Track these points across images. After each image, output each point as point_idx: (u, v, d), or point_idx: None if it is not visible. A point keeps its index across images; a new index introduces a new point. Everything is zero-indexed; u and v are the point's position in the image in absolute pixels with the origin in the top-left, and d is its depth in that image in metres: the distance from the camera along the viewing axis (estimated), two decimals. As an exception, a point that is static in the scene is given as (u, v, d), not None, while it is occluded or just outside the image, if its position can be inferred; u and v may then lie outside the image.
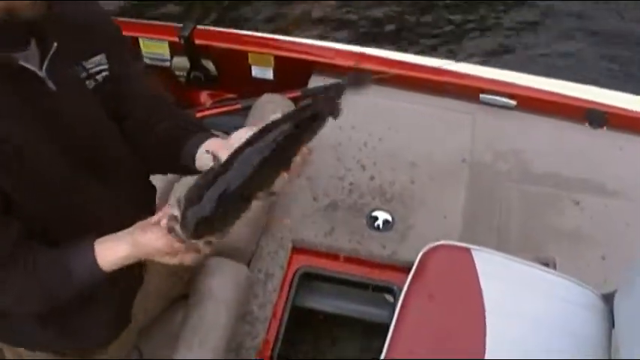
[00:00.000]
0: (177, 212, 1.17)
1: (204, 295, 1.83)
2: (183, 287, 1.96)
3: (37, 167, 1.27)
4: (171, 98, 1.66)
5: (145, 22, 2.81)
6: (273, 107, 2.22)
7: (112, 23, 1.50)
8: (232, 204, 1.18)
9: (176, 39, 2.57)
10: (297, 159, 1.30)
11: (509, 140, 2.42)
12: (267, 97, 2.30)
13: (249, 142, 1.20)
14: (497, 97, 2.47)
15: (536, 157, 2.38)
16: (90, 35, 1.39)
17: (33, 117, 1.25)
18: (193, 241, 1.19)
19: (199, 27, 2.59)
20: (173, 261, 1.30)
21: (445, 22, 4.31)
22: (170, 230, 1.18)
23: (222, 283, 1.86)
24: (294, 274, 2.13)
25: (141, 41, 2.68)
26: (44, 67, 1.27)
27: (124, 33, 2.58)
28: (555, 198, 2.28)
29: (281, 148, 1.22)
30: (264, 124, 1.24)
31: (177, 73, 2.72)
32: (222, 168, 1.18)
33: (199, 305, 1.81)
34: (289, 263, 2.15)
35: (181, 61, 2.68)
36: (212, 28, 2.70)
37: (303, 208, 2.22)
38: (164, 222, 1.20)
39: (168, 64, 2.71)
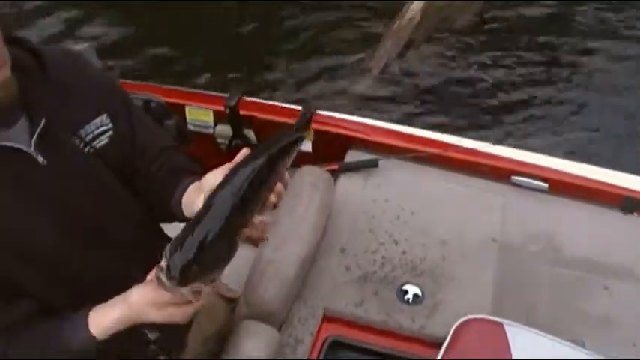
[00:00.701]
0: (163, 263, 1.19)
1: (235, 354, 1.87)
2: (215, 349, 2.00)
3: (36, 245, 1.27)
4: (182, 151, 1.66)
5: (192, 90, 2.93)
6: (311, 180, 2.29)
7: (112, 82, 1.51)
8: (215, 247, 1.19)
9: (221, 108, 2.68)
10: (271, 197, 1.31)
11: (541, 223, 2.45)
12: (306, 170, 2.37)
13: (222, 185, 1.22)
14: (530, 180, 2.52)
15: (566, 240, 2.40)
16: (90, 98, 1.39)
17: (22, 194, 1.25)
18: (182, 290, 1.20)
19: (245, 98, 2.70)
20: (162, 316, 1.27)
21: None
22: (157, 281, 1.19)
23: (254, 345, 1.89)
24: (323, 342, 2.15)
25: (187, 109, 2.80)
26: (33, 142, 1.25)
27: (171, 100, 2.73)
28: (585, 282, 2.29)
29: (255, 185, 1.23)
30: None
31: (219, 140, 2.82)
32: (199, 213, 1.20)
33: (230, 365, 1.85)
34: (319, 331, 2.17)
35: (224, 130, 2.78)
36: (256, 99, 2.81)
37: (336, 277, 2.27)
38: (152, 274, 1.22)
39: (211, 131, 2.82)
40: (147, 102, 2.77)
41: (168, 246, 1.19)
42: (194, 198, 1.36)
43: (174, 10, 4.97)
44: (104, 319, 1.32)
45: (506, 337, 1.80)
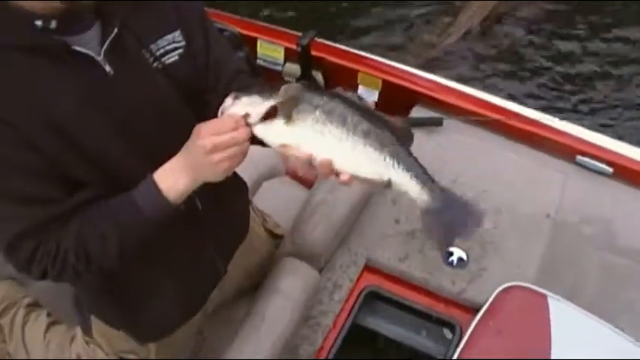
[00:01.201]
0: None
1: (273, 290, 1.91)
2: (256, 282, 2.04)
3: (99, 150, 1.29)
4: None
5: (266, 25, 2.92)
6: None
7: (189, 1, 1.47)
8: None
9: (293, 46, 2.67)
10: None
11: (599, 206, 2.40)
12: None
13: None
14: (595, 162, 2.46)
15: (623, 228, 2.34)
16: (165, 13, 1.39)
17: (90, 101, 1.26)
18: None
19: (317, 39, 2.68)
20: (219, 158, 1.25)
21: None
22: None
23: (292, 282, 1.93)
24: (360, 291, 2.17)
25: (259, 42, 2.79)
26: (103, 51, 1.27)
27: (244, 32, 2.72)
28: (635, 273, 2.24)
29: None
30: None
31: (286, 78, 2.81)
32: None
33: (267, 299, 1.89)
34: (358, 279, 2.19)
35: (293, 68, 2.77)
36: (328, 42, 2.78)
37: (384, 228, 2.27)
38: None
39: (280, 68, 2.81)
40: (221, 30, 2.76)
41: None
42: None
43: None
44: (174, 184, 1.32)
45: (547, 310, 1.79)
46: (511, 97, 3.10)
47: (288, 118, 1.24)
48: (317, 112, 1.22)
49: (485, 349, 1.78)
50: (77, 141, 1.25)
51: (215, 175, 1.29)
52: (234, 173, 1.74)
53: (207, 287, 1.81)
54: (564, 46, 4.52)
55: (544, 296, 1.84)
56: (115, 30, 1.27)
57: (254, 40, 2.80)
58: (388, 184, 1.26)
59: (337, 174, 1.25)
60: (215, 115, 1.38)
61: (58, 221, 1.31)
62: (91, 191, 1.33)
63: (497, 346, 1.77)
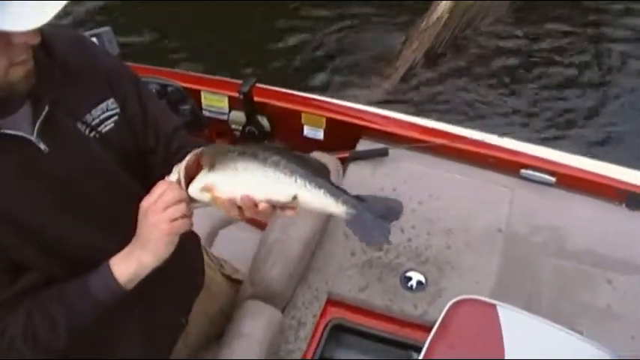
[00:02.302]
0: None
1: (237, 333, 1.91)
2: (220, 328, 2.05)
3: (38, 227, 1.29)
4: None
5: (208, 76, 2.97)
6: (320, 164, 2.33)
7: (120, 64, 1.51)
8: None
9: (236, 94, 2.72)
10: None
11: (547, 215, 2.47)
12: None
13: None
14: (538, 173, 2.54)
15: (571, 233, 2.42)
16: (96, 83, 1.40)
17: (27, 182, 1.26)
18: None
19: (258, 85, 2.74)
20: (161, 218, 1.30)
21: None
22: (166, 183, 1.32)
23: (255, 324, 1.94)
24: (325, 325, 2.19)
25: (202, 94, 2.84)
26: (35, 130, 1.26)
27: (187, 85, 2.77)
28: (588, 275, 2.31)
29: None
30: None
31: (233, 126, 2.86)
32: None
33: (231, 344, 1.89)
34: (322, 314, 2.22)
35: (238, 116, 2.81)
36: (270, 86, 2.85)
37: (341, 261, 2.31)
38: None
39: (225, 117, 2.86)
40: (164, 86, 2.82)
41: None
42: None
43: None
44: (123, 262, 1.35)
45: (497, 319, 1.83)
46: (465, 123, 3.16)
47: (211, 167, 1.30)
48: (232, 154, 1.29)
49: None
50: (18, 223, 1.25)
51: (161, 241, 1.32)
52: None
53: (169, 340, 1.82)
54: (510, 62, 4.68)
55: (493, 306, 1.89)
56: (47, 107, 1.28)
57: (198, 92, 2.84)
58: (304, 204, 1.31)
59: (257, 205, 1.28)
60: (159, 177, 1.42)
61: (3, 308, 1.31)
62: (36, 274, 1.34)
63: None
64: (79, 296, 1.36)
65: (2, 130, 1.22)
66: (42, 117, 1.27)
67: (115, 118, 1.42)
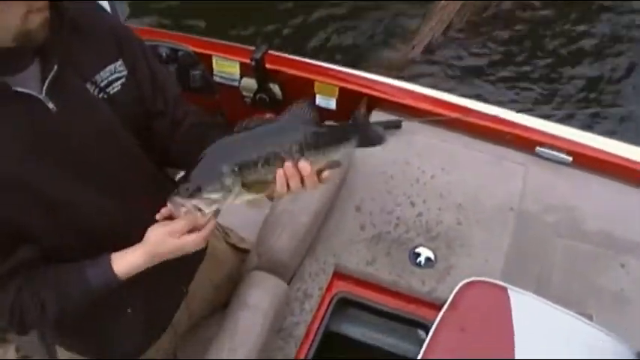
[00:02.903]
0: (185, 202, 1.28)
1: (242, 303, 1.89)
2: (226, 297, 2.03)
3: (46, 189, 1.28)
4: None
5: (220, 41, 2.91)
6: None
7: (127, 29, 1.50)
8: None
9: (248, 60, 2.67)
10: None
11: (561, 195, 2.42)
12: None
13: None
14: (554, 152, 2.48)
15: (585, 214, 2.37)
16: (105, 45, 1.40)
17: (35, 140, 1.25)
18: (191, 204, 1.27)
19: (271, 52, 2.69)
20: (178, 244, 1.37)
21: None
22: (171, 204, 1.29)
23: (261, 295, 1.92)
24: (331, 298, 2.17)
25: (214, 60, 2.79)
26: (44, 88, 1.25)
27: (199, 50, 2.73)
28: (601, 257, 2.27)
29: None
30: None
31: (244, 93, 2.82)
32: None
33: (236, 315, 1.87)
34: (329, 287, 2.19)
35: (250, 83, 2.77)
36: (283, 54, 2.79)
37: (350, 235, 2.27)
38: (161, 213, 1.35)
39: (237, 84, 2.81)
40: (175, 50, 2.77)
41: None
42: None
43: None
44: (126, 258, 1.39)
45: (508, 302, 1.79)
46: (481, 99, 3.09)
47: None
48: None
49: (450, 347, 1.78)
50: (26, 183, 1.24)
51: (168, 256, 1.40)
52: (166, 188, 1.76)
53: (170, 308, 1.80)
54: (527, 45, 4.58)
55: (504, 289, 1.85)
56: (55, 67, 1.26)
57: (209, 58, 2.80)
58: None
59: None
60: (165, 139, 1.51)
61: None
62: (31, 250, 1.33)
63: (462, 343, 1.77)
64: (73, 282, 1.38)
65: (13, 88, 1.21)
66: (51, 75, 1.25)
67: (123, 80, 1.41)
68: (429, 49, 4.55)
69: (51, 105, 1.26)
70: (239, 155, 1.26)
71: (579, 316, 1.84)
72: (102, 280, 1.38)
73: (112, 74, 1.39)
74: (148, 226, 1.43)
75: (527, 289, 2.11)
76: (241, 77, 2.80)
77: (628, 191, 2.43)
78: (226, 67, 2.81)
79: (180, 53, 2.77)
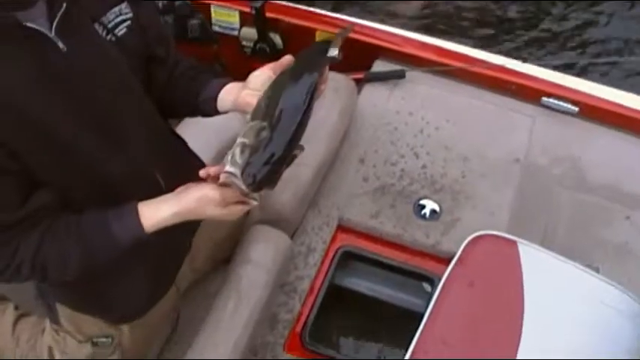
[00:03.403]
0: (234, 169, 1.24)
1: (245, 259, 1.87)
2: (228, 252, 2.01)
3: (55, 129, 1.25)
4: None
5: (219, -11, 2.84)
6: (334, 85, 2.24)
7: None
8: (284, 160, 1.30)
9: (247, 9, 2.60)
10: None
11: (567, 146, 2.39)
12: (329, 75, 2.30)
13: (287, 94, 1.31)
14: (560, 102, 2.44)
15: (592, 166, 2.34)
16: None
17: (43, 79, 1.22)
18: (253, 194, 1.30)
19: (271, 0, 2.62)
20: (222, 213, 1.35)
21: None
22: (231, 183, 1.26)
23: (264, 250, 1.89)
24: (335, 252, 2.15)
25: (212, 8, 2.72)
26: (54, 27, 1.21)
27: (197, -1, 2.65)
28: (606, 210, 2.24)
29: (312, 99, 1.34)
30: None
31: (244, 43, 2.75)
32: (268, 117, 1.28)
33: (239, 270, 1.85)
34: (332, 240, 2.17)
35: (249, 32, 2.70)
36: (283, 2, 2.72)
37: (353, 187, 2.24)
38: (223, 176, 1.26)
39: (236, 33, 2.75)
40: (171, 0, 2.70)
41: (238, 148, 1.25)
42: (235, 94, 1.45)
43: None
44: (157, 213, 1.36)
45: (518, 255, 1.78)
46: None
47: None
48: None
49: (459, 301, 1.77)
50: (35, 122, 1.21)
51: (201, 216, 1.38)
52: (193, 152, 1.79)
53: (173, 262, 1.78)
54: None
55: (514, 242, 1.83)
56: (64, 5, 1.22)
57: (207, 7, 2.72)
58: None
59: None
60: (160, 88, 1.53)
61: (16, 228, 1.28)
62: (49, 194, 1.30)
63: (471, 298, 1.76)
64: (98, 237, 1.34)
65: (24, 23, 1.16)
66: (60, 13, 1.22)
67: (128, 23, 1.39)
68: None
69: (61, 44, 1.23)
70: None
71: (588, 270, 1.83)
72: (129, 235, 1.35)
73: (117, 16, 1.37)
74: (154, 175, 1.47)
75: (533, 241, 2.09)
76: (241, 26, 2.73)
77: (635, 142, 2.40)
78: (225, 16, 2.74)
79: (177, 3, 2.70)
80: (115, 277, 1.58)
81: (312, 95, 1.33)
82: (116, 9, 1.37)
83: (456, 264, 1.82)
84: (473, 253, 1.83)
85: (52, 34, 1.21)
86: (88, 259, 1.35)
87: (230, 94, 1.49)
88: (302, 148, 1.35)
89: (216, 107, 1.52)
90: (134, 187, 1.42)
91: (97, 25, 1.33)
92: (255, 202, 1.35)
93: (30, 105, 1.20)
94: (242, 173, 1.24)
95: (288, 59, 1.45)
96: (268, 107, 1.30)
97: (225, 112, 1.53)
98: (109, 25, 1.35)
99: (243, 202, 1.35)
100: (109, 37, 1.35)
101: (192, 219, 1.38)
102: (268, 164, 1.25)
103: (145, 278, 1.65)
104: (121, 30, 1.37)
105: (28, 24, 1.17)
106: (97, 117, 1.32)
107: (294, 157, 1.34)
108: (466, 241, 1.87)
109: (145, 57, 1.49)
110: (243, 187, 1.25)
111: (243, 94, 1.42)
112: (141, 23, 1.43)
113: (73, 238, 1.32)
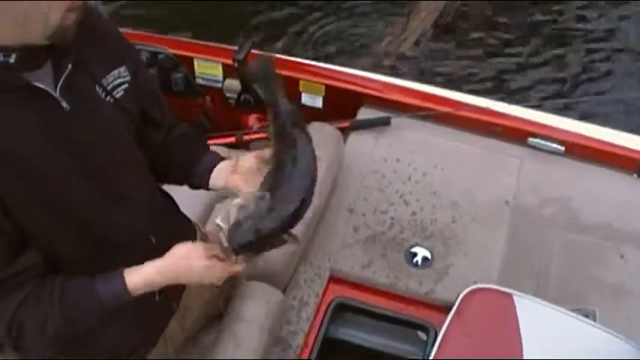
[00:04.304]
0: (224, 224, 1.29)
1: (238, 316, 1.84)
2: (221, 307, 1.97)
3: (55, 186, 1.27)
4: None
5: (201, 42, 2.85)
6: (319, 136, 2.23)
7: (125, 37, 1.51)
8: (275, 237, 1.33)
9: (230, 61, 2.60)
10: None
11: (556, 186, 2.39)
12: (315, 126, 2.31)
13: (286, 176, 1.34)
14: (546, 142, 2.45)
15: (582, 205, 2.34)
16: (111, 50, 1.42)
17: (47, 137, 1.24)
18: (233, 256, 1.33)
19: (254, 51, 2.62)
20: (205, 273, 1.38)
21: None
22: (213, 235, 1.35)
23: (256, 306, 1.86)
24: (328, 304, 2.12)
25: (195, 62, 2.73)
26: (58, 87, 1.26)
27: (179, 52, 2.67)
28: (600, 249, 2.23)
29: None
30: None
31: (228, 94, 2.75)
32: (272, 189, 1.32)
33: (232, 326, 1.82)
34: (325, 292, 2.14)
35: (233, 84, 2.71)
36: (266, 53, 2.72)
37: (343, 238, 2.22)
38: (209, 225, 1.30)
39: (220, 85, 2.75)
40: (154, 54, 2.71)
41: (235, 207, 1.31)
42: (224, 177, 1.53)
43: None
44: (142, 271, 1.37)
45: (514, 309, 1.76)
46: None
47: None
48: None
49: (458, 353, 1.75)
50: (33, 173, 1.23)
51: (187, 281, 1.46)
52: (180, 210, 1.79)
53: (160, 323, 1.75)
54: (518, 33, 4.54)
55: (509, 296, 1.82)
56: (69, 66, 1.27)
57: (190, 60, 2.73)
58: None
59: None
60: (155, 151, 1.56)
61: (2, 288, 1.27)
62: (36, 255, 1.30)
63: (470, 350, 1.74)
64: (82, 301, 1.35)
65: (32, 83, 1.21)
66: (65, 75, 1.26)
67: (126, 86, 1.42)
68: (417, 44, 4.47)
69: (64, 104, 1.27)
70: None
71: (585, 319, 1.81)
72: (112, 293, 1.35)
73: (116, 79, 1.40)
74: (147, 235, 1.48)
75: (527, 284, 2.09)
76: (224, 78, 2.74)
77: (623, 179, 2.41)
78: (208, 69, 2.75)
79: (160, 57, 2.71)
80: (95, 333, 1.55)
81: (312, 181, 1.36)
82: (115, 72, 1.40)
83: (453, 317, 1.80)
84: (470, 307, 1.82)
85: (56, 94, 1.25)
86: (67, 325, 1.34)
87: (220, 176, 1.56)
88: (297, 240, 1.38)
89: (208, 183, 1.58)
90: (128, 247, 1.43)
91: (97, 87, 1.36)
92: (238, 268, 1.38)
93: (30, 158, 1.22)
94: (229, 230, 1.28)
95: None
96: (274, 181, 1.34)
97: (214, 190, 1.60)
98: (108, 87, 1.38)
99: (224, 261, 1.37)
100: (108, 98, 1.38)
101: (177, 278, 1.40)
102: (255, 233, 1.28)
103: (128, 336, 1.61)
104: (119, 92, 1.40)
105: (37, 84, 1.22)
106: (95, 175, 1.34)
107: (284, 242, 1.35)
108: (462, 295, 1.86)
109: (141, 119, 1.51)
110: (225, 243, 1.28)
111: (233, 178, 1.49)
112: (138, 87, 1.46)
113: (55, 304, 1.31)
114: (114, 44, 1.43)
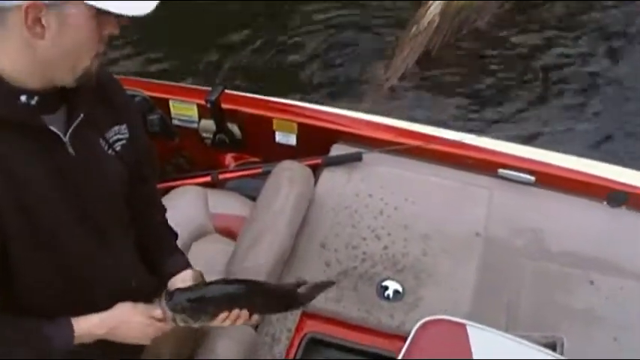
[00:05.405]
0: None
1: (210, 355, 1.84)
2: (192, 345, 1.98)
3: (42, 221, 1.31)
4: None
5: (176, 84, 2.90)
6: (289, 174, 2.28)
7: (128, 95, 1.63)
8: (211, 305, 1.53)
9: (204, 102, 2.64)
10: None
11: (526, 216, 2.41)
12: (285, 164, 2.34)
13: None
14: (516, 173, 2.48)
15: (553, 234, 2.36)
16: (112, 106, 1.49)
17: (49, 174, 1.30)
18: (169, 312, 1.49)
19: (227, 91, 2.67)
20: (142, 320, 1.50)
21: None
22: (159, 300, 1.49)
23: (227, 345, 1.86)
24: (301, 340, 2.13)
25: (171, 103, 2.76)
26: (68, 133, 1.33)
27: (154, 94, 2.71)
28: (570, 276, 2.25)
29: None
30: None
31: (203, 134, 2.79)
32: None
33: (203, 367, 1.83)
34: (297, 328, 2.15)
35: (208, 124, 2.75)
36: (239, 93, 2.77)
37: (315, 273, 2.23)
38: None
39: (195, 125, 2.79)
40: (131, 97, 2.74)
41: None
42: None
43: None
44: (88, 323, 1.42)
45: (467, 339, 1.77)
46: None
47: None
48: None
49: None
50: (28, 205, 1.28)
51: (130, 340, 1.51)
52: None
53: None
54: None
55: (462, 326, 1.83)
56: (82, 115, 1.34)
57: (166, 102, 2.77)
58: None
59: None
60: (148, 200, 1.69)
61: None
62: None
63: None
64: (27, 339, 1.37)
65: (49, 126, 1.29)
66: (76, 122, 1.34)
67: (124, 142, 1.50)
68: (403, 78, 4.48)
69: (71, 150, 1.34)
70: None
71: (544, 349, 1.81)
72: (61, 341, 1.38)
73: (116, 134, 1.48)
74: (129, 280, 1.55)
75: (498, 315, 2.10)
76: (200, 119, 2.78)
77: (593, 207, 2.43)
78: (184, 110, 2.78)
79: (136, 99, 2.74)
80: None
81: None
82: (116, 128, 1.48)
83: (406, 350, 1.81)
84: (423, 338, 1.82)
85: (65, 139, 1.33)
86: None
87: (175, 284, 1.64)
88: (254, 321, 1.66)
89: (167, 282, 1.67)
90: (103, 288, 1.48)
91: (101, 139, 1.44)
92: (168, 326, 1.54)
93: (28, 182, 1.27)
94: (167, 292, 1.50)
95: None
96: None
97: None
98: (110, 141, 1.46)
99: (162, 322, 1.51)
100: (109, 151, 1.46)
101: (115, 332, 1.46)
102: (194, 302, 1.49)
103: None
104: (118, 146, 1.48)
105: (52, 127, 1.30)
106: (89, 219, 1.40)
107: (237, 317, 1.56)
108: (415, 327, 1.87)
109: (135, 175, 1.57)
110: (164, 302, 1.46)
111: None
112: (135, 144, 1.54)
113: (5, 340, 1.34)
114: (120, 105, 1.51)
